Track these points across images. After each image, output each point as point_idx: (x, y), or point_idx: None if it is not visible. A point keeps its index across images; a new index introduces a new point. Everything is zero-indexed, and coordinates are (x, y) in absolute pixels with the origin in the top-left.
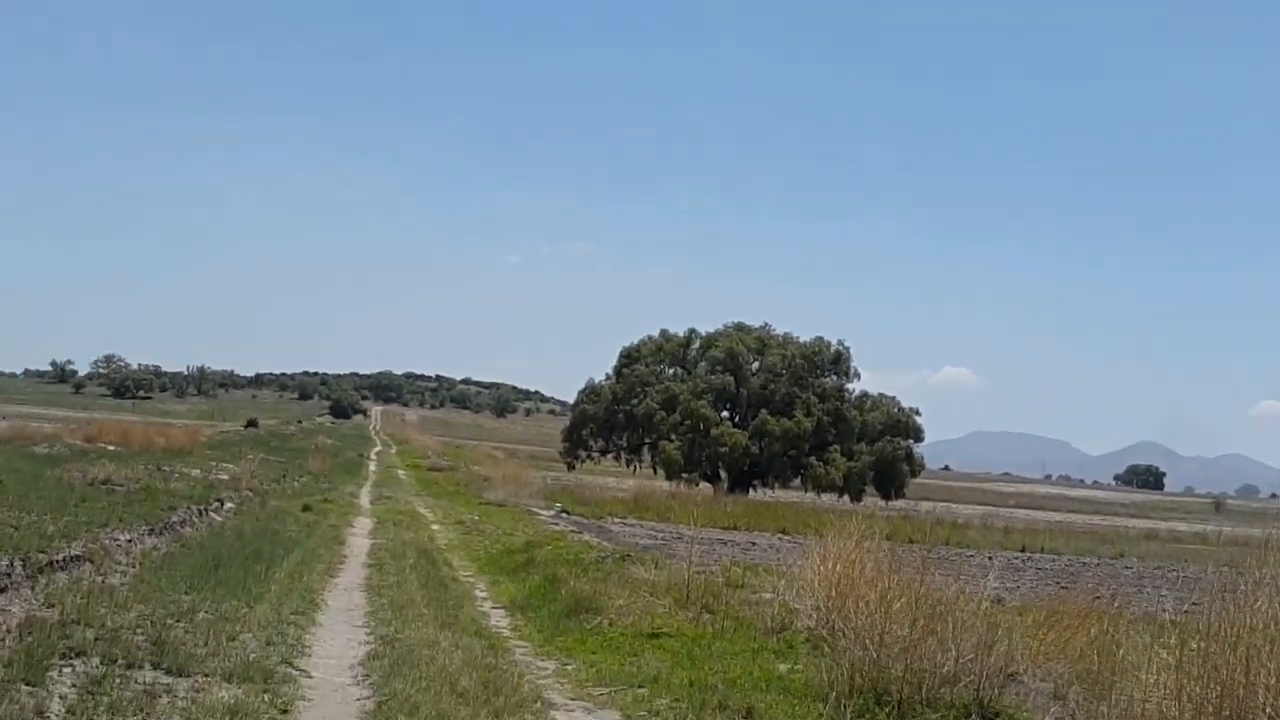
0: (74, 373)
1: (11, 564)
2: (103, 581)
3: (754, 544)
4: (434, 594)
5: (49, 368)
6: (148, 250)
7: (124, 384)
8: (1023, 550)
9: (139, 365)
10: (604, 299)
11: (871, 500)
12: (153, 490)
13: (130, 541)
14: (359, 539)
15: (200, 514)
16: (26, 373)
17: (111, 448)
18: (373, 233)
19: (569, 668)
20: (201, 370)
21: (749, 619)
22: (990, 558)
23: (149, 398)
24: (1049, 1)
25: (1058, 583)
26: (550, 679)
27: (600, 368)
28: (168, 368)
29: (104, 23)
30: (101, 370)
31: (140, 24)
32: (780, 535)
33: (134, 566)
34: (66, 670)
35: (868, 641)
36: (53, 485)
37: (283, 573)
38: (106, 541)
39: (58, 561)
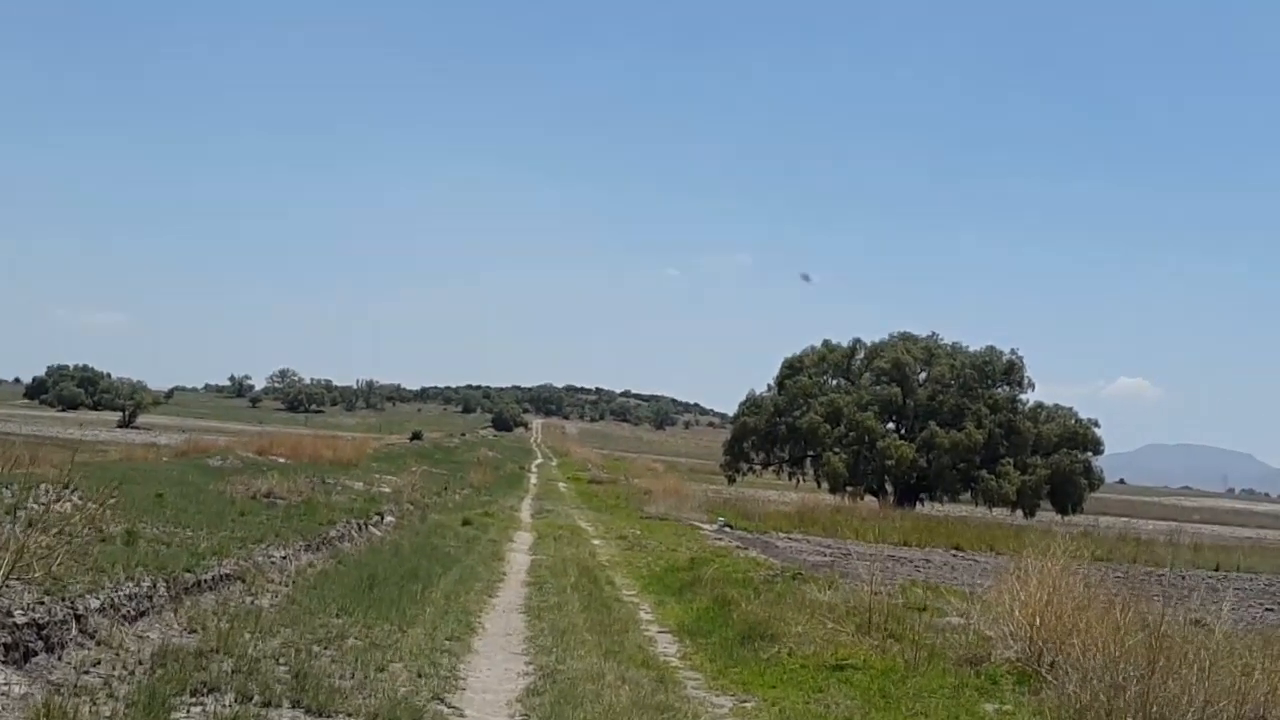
0: (251, 387)
1: (154, 585)
2: (251, 603)
3: (928, 561)
4: (597, 617)
5: (228, 383)
6: (320, 270)
7: (297, 398)
8: (1216, 569)
9: (311, 380)
10: (763, 311)
11: (1046, 515)
12: (313, 504)
13: (285, 558)
14: (519, 555)
15: (359, 529)
16: (207, 387)
17: (281, 460)
18: (533, 250)
19: (748, 705)
20: (370, 384)
21: (938, 648)
22: (1183, 576)
23: (320, 411)
24: None
25: (1263, 605)
26: (729, 719)
27: (760, 380)
28: (339, 382)
29: (305, 25)
30: (277, 385)
31: (319, 36)
32: (954, 552)
33: (287, 585)
34: (195, 710)
35: (1094, 681)
36: (214, 499)
37: (439, 592)
38: (260, 559)
39: (206, 581)
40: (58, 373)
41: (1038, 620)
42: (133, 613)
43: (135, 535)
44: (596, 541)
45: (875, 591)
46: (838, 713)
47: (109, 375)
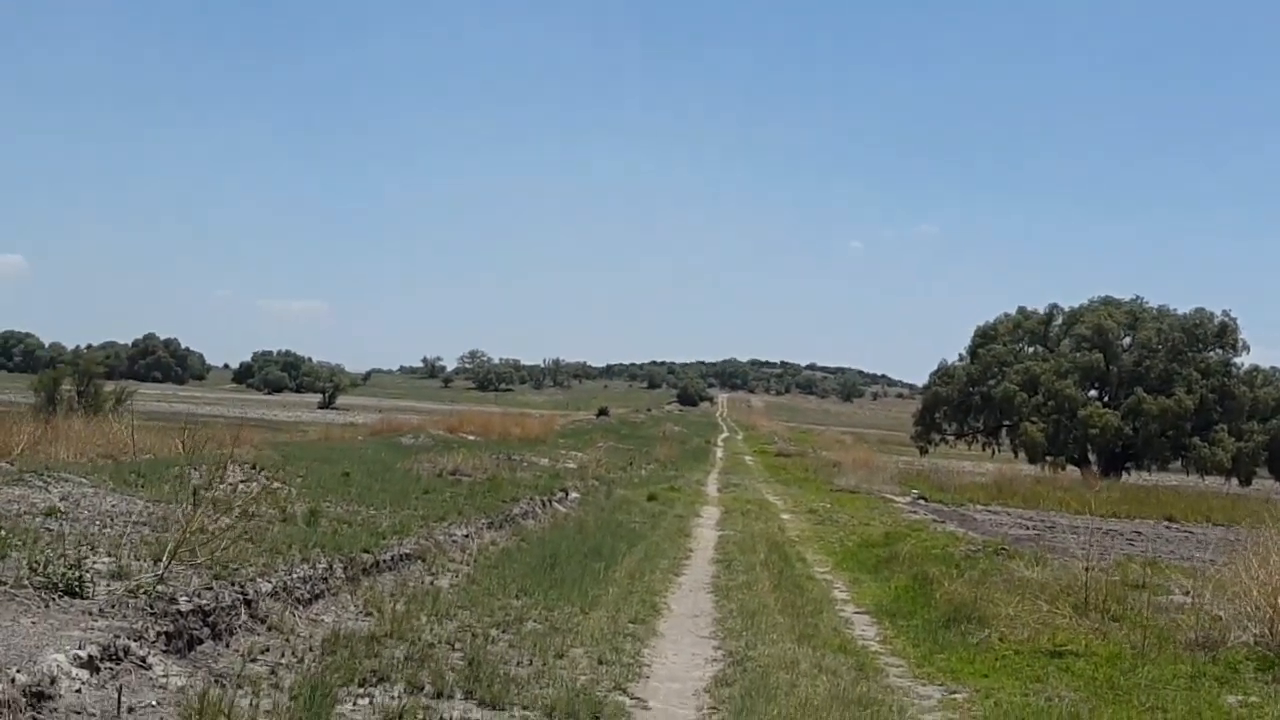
0: (443, 368)
1: (330, 566)
2: (430, 583)
3: (1138, 534)
4: (788, 596)
5: (420, 364)
6: (506, 250)
7: (487, 377)
8: None
9: (500, 359)
10: (950, 281)
11: (1264, 483)
12: (498, 481)
13: (467, 536)
14: (706, 530)
15: (544, 505)
16: (401, 369)
17: (471, 437)
18: (716, 226)
19: (958, 698)
20: (557, 363)
21: (1165, 631)
22: None
23: (509, 389)
24: None
25: None
26: (938, 714)
27: (948, 350)
28: (526, 361)
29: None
30: (467, 365)
31: (478, 23)
32: (1167, 524)
33: (467, 565)
34: (363, 701)
35: None
36: (400, 477)
37: (623, 571)
38: (441, 537)
39: (385, 561)
40: (263, 358)
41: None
42: (307, 595)
43: (318, 515)
44: (785, 516)
45: (1089, 568)
46: (1061, 707)
47: (310, 359)
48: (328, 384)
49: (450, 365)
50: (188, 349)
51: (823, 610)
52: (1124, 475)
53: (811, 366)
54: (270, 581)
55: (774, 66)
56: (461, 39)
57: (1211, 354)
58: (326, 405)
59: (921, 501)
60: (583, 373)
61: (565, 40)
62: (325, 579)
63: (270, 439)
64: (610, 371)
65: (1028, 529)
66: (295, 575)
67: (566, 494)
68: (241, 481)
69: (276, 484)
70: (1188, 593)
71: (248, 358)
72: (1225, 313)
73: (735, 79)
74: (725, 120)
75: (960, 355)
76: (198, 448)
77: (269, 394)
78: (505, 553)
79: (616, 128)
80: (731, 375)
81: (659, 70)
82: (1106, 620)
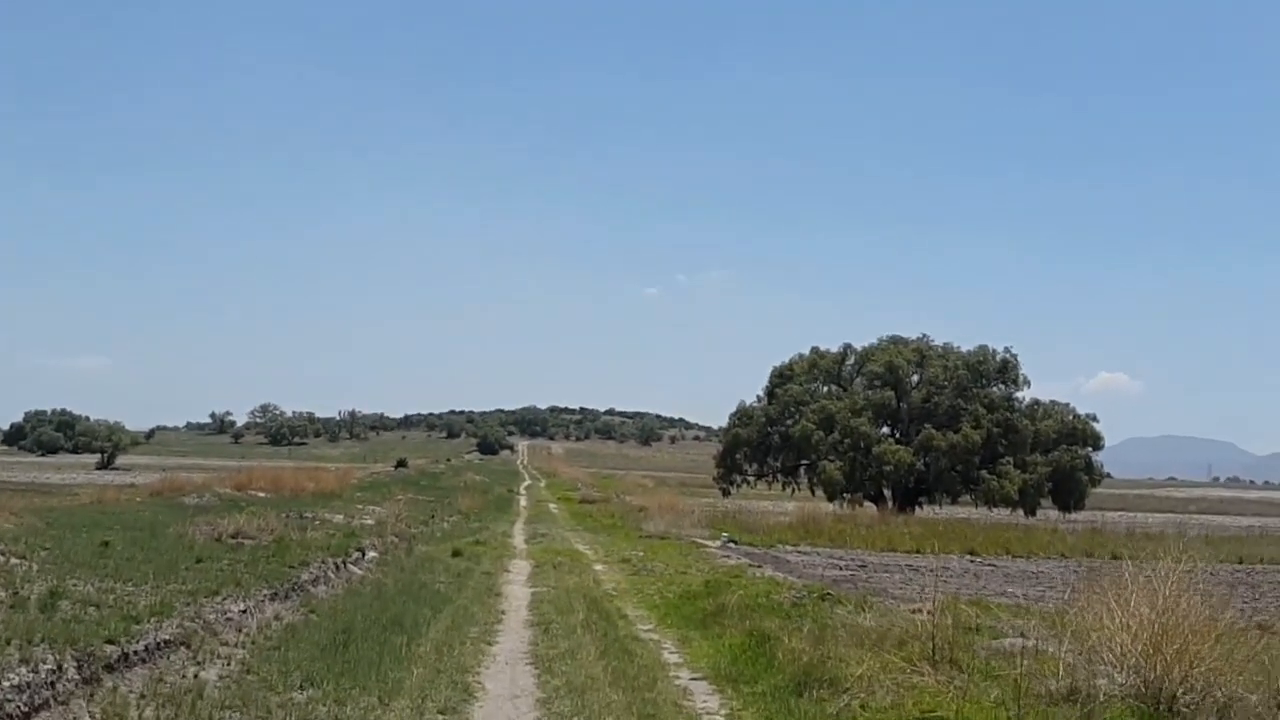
0: (233, 423)
1: (59, 666)
2: (195, 677)
3: (946, 569)
4: (617, 664)
5: (209, 420)
6: (297, 303)
7: (280, 431)
8: (1240, 562)
9: (294, 413)
10: (744, 325)
11: (1047, 513)
12: (285, 543)
13: (245, 613)
14: (517, 587)
15: (338, 568)
16: (188, 426)
17: (262, 495)
18: (510, 272)
19: None
20: (353, 414)
21: (1020, 681)
22: (1211, 572)
23: (304, 443)
24: None
25: None
26: None
27: (744, 392)
28: (321, 414)
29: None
30: (258, 419)
31: (278, 66)
32: (970, 558)
33: (243, 648)
34: None
35: None
36: (171, 544)
37: (429, 644)
38: (212, 615)
39: (137, 653)
40: (35, 417)
41: (1153, 646)
42: (23, 709)
43: (59, 595)
44: (599, 567)
45: (913, 610)
46: None
47: (87, 418)
48: (106, 443)
49: (241, 420)
50: None
51: (657, 679)
52: (917, 509)
53: (610, 412)
54: None
55: (563, 114)
56: (228, 91)
57: (995, 389)
58: (105, 466)
59: (732, 545)
60: (380, 424)
61: (338, 89)
62: (52, 683)
63: (39, 504)
64: (408, 422)
65: (841, 569)
66: (7, 683)
67: (363, 554)
68: None
69: (15, 559)
70: (1022, 634)
71: (19, 418)
72: (1007, 349)
73: (526, 128)
74: (517, 170)
75: (758, 396)
76: None
77: (42, 456)
78: (290, 630)
79: (405, 175)
80: (531, 423)
81: (444, 116)
82: (956, 672)
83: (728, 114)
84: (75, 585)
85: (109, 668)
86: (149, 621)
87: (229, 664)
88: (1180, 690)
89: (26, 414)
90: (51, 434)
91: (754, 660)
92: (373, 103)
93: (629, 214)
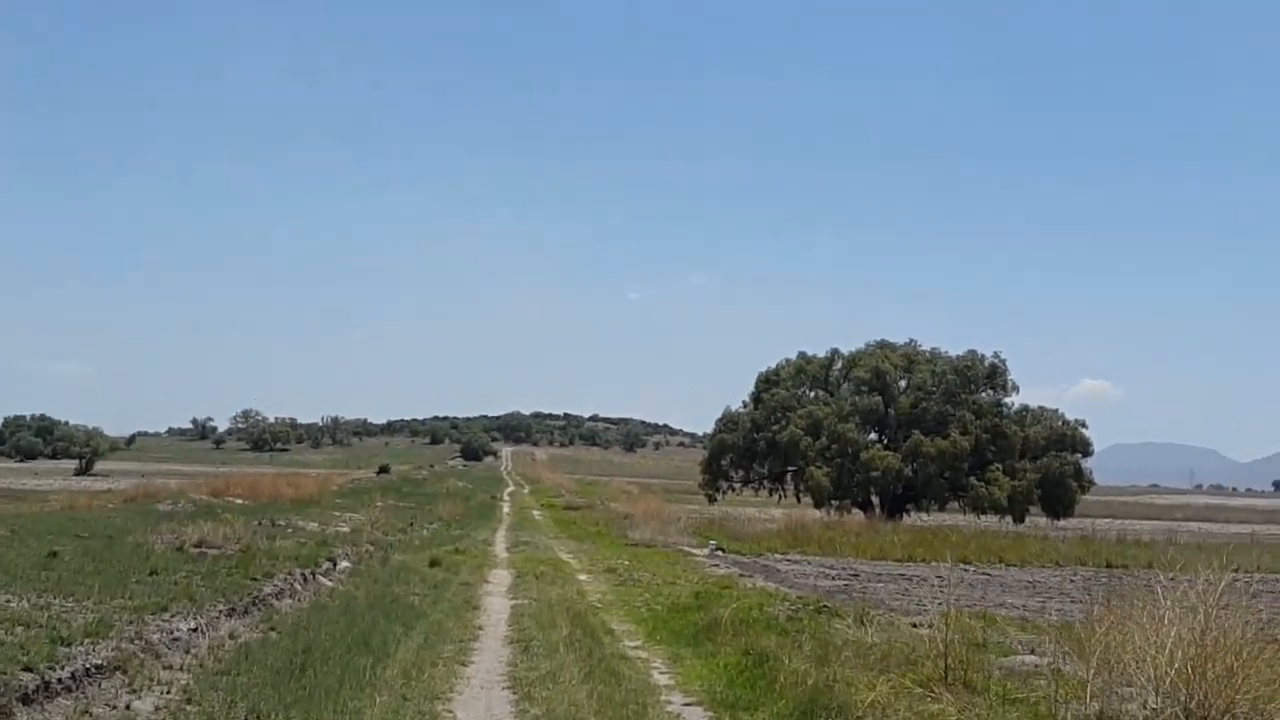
0: (214, 429)
1: None
2: (126, 708)
3: (941, 579)
4: (604, 689)
5: (190, 425)
6: (281, 308)
7: (262, 437)
8: (1238, 570)
9: (276, 418)
10: (728, 329)
11: (1037, 520)
12: (251, 553)
13: (195, 631)
14: (496, 599)
15: (306, 579)
16: (170, 431)
17: (239, 501)
18: (492, 277)
19: None
20: (335, 420)
21: (1047, 708)
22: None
23: (286, 449)
24: None
25: None
26: None
27: (730, 398)
28: (304, 419)
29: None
30: (240, 425)
31: (265, 70)
32: (964, 566)
33: (188, 672)
34: None
35: None
36: (127, 554)
37: (396, 667)
38: (157, 635)
39: (62, 680)
40: (14, 423)
41: (1193, 668)
42: None
43: None
44: (583, 577)
45: (913, 624)
46: None
47: (66, 423)
48: (84, 449)
49: (222, 426)
50: None
51: (648, 706)
52: (905, 516)
53: (594, 418)
54: None
55: (543, 119)
56: (231, 85)
57: (983, 395)
58: (83, 472)
59: (720, 553)
60: (363, 430)
61: (322, 98)
62: None
63: (8, 511)
64: (392, 428)
65: (833, 579)
66: None
67: (335, 564)
68: None
69: None
70: (1032, 650)
71: None
72: (995, 354)
73: (507, 133)
74: (497, 174)
75: (744, 402)
76: None
77: (20, 461)
78: (245, 650)
79: (388, 181)
80: (515, 429)
81: (427, 123)
82: (971, 695)
83: (713, 119)
84: (7, 601)
85: (25, 699)
86: (81, 643)
87: (169, 691)
88: (1226, 718)
89: (5, 419)
90: (30, 439)
91: (753, 683)
92: (366, 105)
93: (612, 218)
